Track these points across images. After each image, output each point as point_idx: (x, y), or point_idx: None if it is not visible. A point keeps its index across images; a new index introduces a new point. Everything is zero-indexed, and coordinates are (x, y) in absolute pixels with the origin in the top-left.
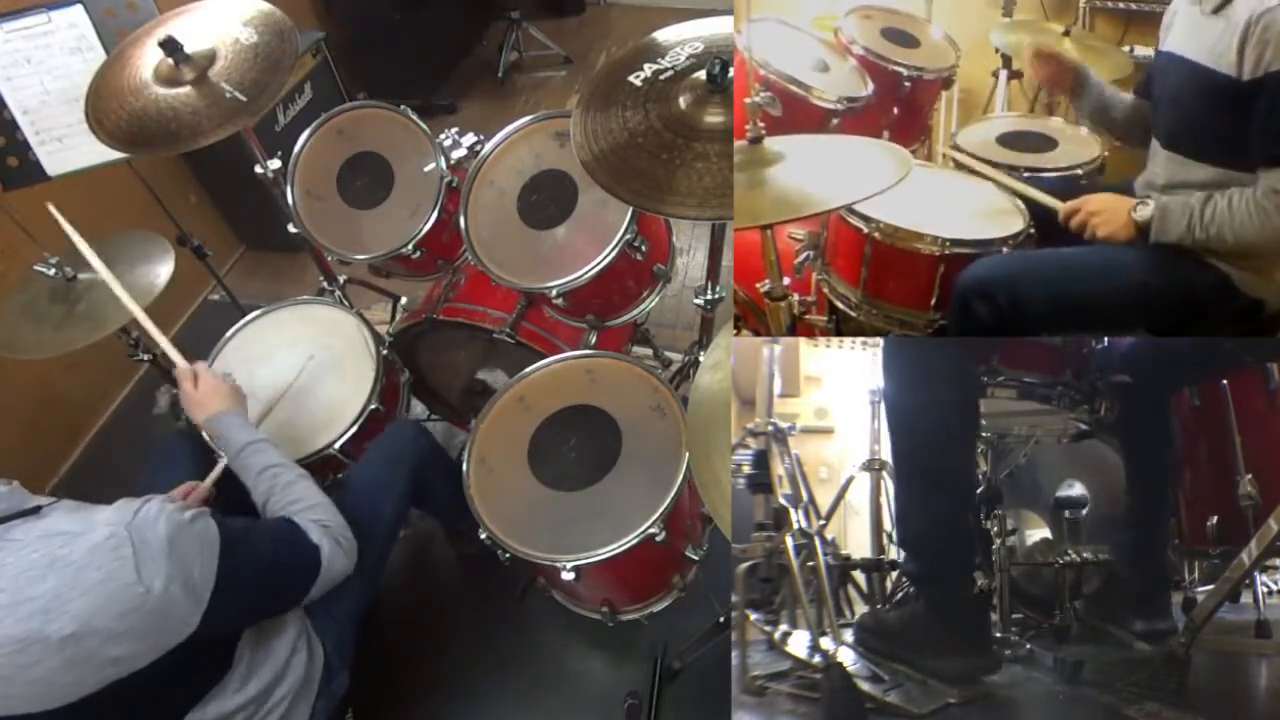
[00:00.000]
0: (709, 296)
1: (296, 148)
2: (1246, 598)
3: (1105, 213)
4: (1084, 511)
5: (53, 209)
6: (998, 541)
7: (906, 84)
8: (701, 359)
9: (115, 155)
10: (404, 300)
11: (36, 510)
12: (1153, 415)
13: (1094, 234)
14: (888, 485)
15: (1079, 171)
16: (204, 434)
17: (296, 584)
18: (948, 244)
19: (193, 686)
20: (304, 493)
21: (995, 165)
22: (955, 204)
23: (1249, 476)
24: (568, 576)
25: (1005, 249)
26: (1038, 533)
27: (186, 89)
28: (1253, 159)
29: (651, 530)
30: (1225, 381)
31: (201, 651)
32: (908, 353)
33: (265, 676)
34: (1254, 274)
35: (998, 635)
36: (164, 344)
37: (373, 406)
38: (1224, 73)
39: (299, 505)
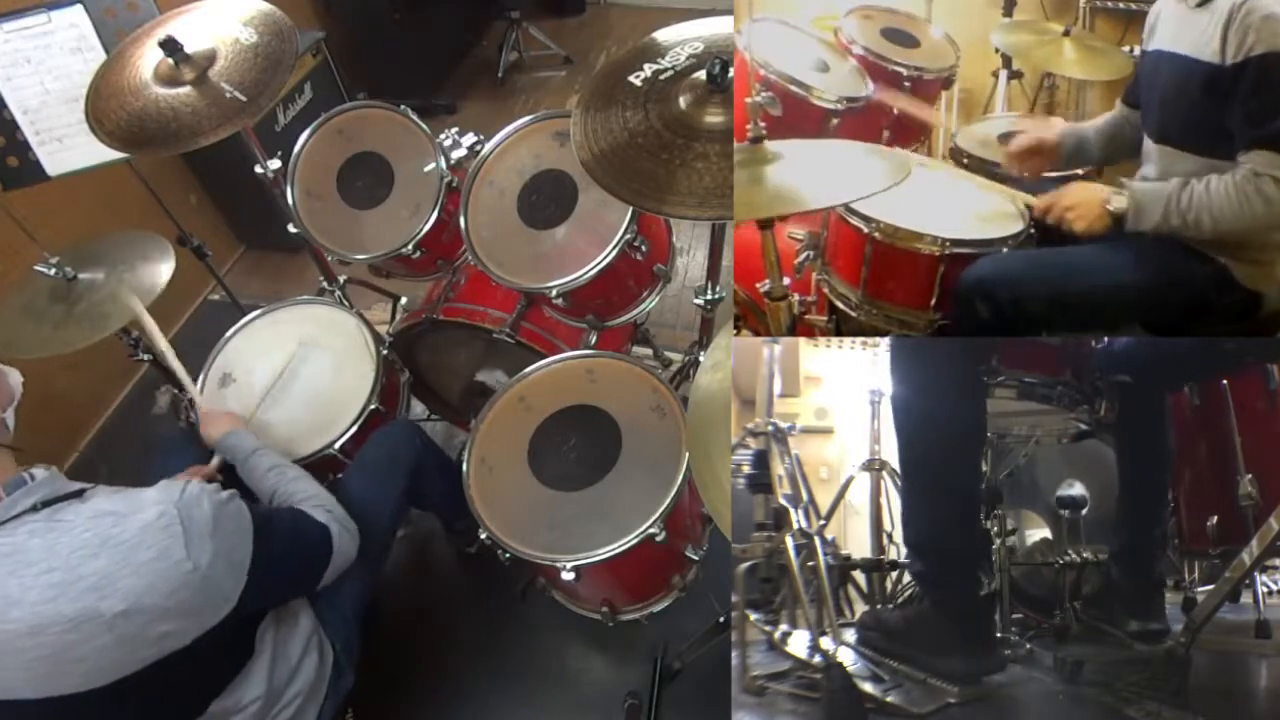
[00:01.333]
0: (709, 296)
1: (296, 148)
2: (1246, 598)
3: (1080, 206)
4: (1084, 511)
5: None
6: (998, 541)
7: (906, 84)
8: (701, 359)
9: (115, 155)
10: (404, 300)
11: (80, 493)
12: (1152, 415)
13: (1071, 229)
14: (888, 485)
15: (1079, 172)
16: (216, 450)
17: (316, 562)
18: (948, 244)
19: (220, 672)
20: (306, 486)
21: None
22: (956, 204)
23: (1249, 476)
24: (568, 576)
25: (1005, 249)
26: (1038, 533)
27: (186, 89)
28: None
29: (651, 530)
30: (1225, 381)
31: (232, 634)
32: (917, 355)
33: (281, 674)
34: (1253, 266)
35: (998, 635)
36: (186, 382)
37: (373, 406)
38: (1208, 61)
39: (301, 495)
